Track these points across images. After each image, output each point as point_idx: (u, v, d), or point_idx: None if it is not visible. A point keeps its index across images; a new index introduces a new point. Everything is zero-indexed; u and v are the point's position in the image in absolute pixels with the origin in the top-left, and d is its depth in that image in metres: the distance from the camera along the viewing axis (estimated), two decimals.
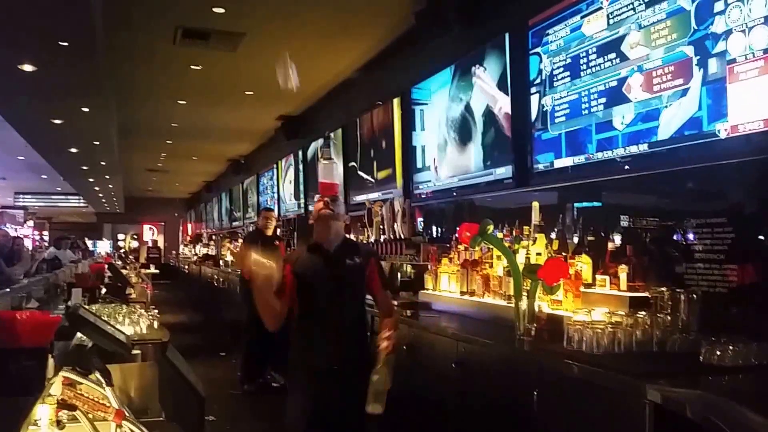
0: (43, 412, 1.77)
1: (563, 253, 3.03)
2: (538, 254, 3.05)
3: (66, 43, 4.56)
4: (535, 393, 2.30)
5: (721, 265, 2.47)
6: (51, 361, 2.05)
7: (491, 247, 3.31)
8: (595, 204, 3.37)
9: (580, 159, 3.11)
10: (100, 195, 16.89)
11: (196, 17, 4.93)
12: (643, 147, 2.75)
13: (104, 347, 2.52)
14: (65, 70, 5.26)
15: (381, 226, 4.75)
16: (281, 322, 2.67)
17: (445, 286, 3.72)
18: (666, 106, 2.64)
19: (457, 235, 3.96)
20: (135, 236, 23.77)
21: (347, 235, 2.90)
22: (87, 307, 3.28)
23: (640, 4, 2.77)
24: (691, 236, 2.63)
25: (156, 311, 3.73)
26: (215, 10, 4.70)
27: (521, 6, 3.64)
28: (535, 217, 3.27)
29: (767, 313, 2.28)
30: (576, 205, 3.37)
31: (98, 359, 2.37)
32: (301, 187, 7.65)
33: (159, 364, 3.02)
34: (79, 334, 2.59)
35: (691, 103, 2.52)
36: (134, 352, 2.88)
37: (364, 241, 4.90)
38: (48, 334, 2.18)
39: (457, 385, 2.82)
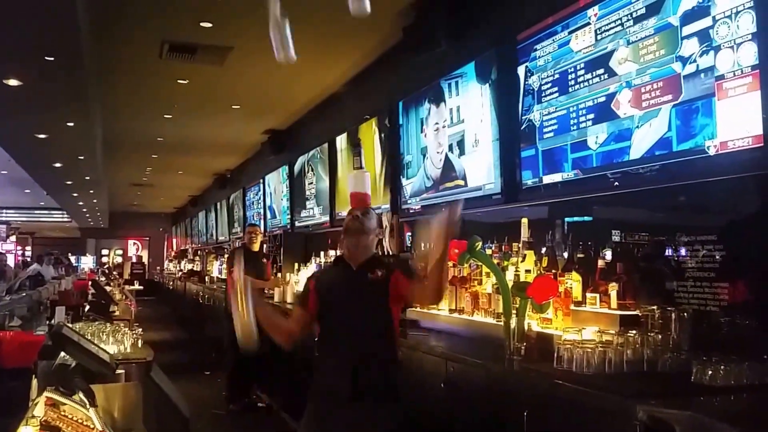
0: None
1: (553, 271, 3.00)
2: (528, 271, 3.03)
3: (52, 58, 4.52)
4: (525, 414, 2.26)
5: (712, 283, 2.46)
6: (35, 382, 1.99)
7: (480, 264, 3.28)
8: (585, 218, 3.36)
9: (569, 175, 3.10)
10: (84, 210, 16.71)
11: (183, 32, 4.90)
12: (635, 164, 2.74)
13: (88, 367, 2.46)
14: (51, 84, 5.21)
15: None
16: (294, 339, 2.53)
17: None
18: (639, 126, 2.65)
19: None
20: (120, 252, 23.52)
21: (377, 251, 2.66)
22: (70, 325, 3.21)
23: (628, 20, 2.77)
24: (682, 253, 2.62)
25: (140, 330, 3.65)
26: (203, 24, 4.67)
27: (509, 22, 3.65)
28: (524, 233, 3.25)
29: (759, 332, 2.26)
30: (566, 219, 3.36)
31: (82, 379, 2.31)
32: (288, 203, 7.60)
33: (143, 384, 2.96)
34: (62, 354, 2.52)
35: (677, 121, 2.52)
36: (118, 371, 2.82)
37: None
38: (32, 354, 2.12)
39: (446, 406, 2.78)
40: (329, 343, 2.51)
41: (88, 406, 2.18)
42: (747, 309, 2.33)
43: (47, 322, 4.50)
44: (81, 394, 2.23)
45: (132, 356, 3.32)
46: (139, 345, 3.58)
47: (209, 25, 4.68)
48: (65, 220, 19.49)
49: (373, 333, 2.45)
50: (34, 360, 2.17)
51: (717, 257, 2.46)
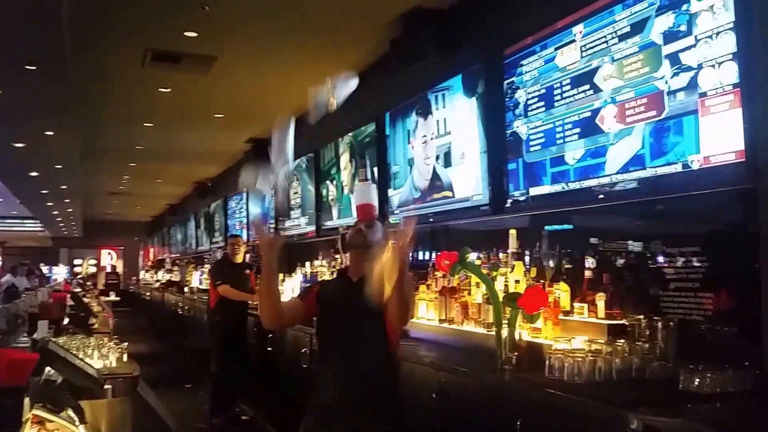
0: None
1: (541, 281, 3.06)
2: (517, 281, 3.08)
3: (33, 67, 4.47)
4: (519, 423, 2.30)
5: (696, 293, 2.53)
6: (27, 401, 1.96)
7: (470, 274, 3.32)
8: (566, 227, 3.42)
9: (556, 187, 3.17)
10: (59, 219, 16.43)
11: (167, 41, 4.88)
12: (618, 177, 2.81)
13: (76, 383, 2.43)
14: (31, 93, 5.15)
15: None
16: (279, 323, 2.51)
17: (423, 314, 3.72)
18: (613, 142, 2.73)
19: (434, 262, 3.98)
20: (93, 262, 23.11)
21: None
22: (54, 339, 3.17)
23: (613, 38, 2.85)
24: (666, 264, 2.69)
25: (126, 344, 3.61)
26: (187, 33, 4.66)
27: (496, 37, 3.72)
28: (513, 244, 3.31)
29: (741, 340, 2.34)
30: (550, 228, 3.43)
31: (70, 396, 2.28)
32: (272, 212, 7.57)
33: (131, 400, 2.93)
34: (47, 369, 2.49)
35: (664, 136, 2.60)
36: (105, 387, 2.79)
37: (340, 267, 4.85)
38: (24, 372, 2.09)
39: (439, 416, 2.80)
40: (328, 357, 2.51)
41: (77, 423, 2.16)
42: (729, 318, 2.41)
43: (27, 335, 4.42)
44: (70, 411, 2.20)
45: (118, 371, 3.29)
46: (125, 359, 3.55)
47: (194, 34, 4.68)
48: (38, 229, 19.11)
49: (372, 348, 2.43)
50: (27, 378, 2.14)
51: (700, 268, 2.54)
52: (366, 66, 5.27)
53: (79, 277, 18.97)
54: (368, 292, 2.31)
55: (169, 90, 6.15)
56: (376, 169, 4.80)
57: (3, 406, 1.67)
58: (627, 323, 2.63)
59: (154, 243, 19.78)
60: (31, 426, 1.96)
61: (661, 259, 2.71)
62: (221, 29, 4.61)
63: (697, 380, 2.06)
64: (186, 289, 10.85)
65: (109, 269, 22.21)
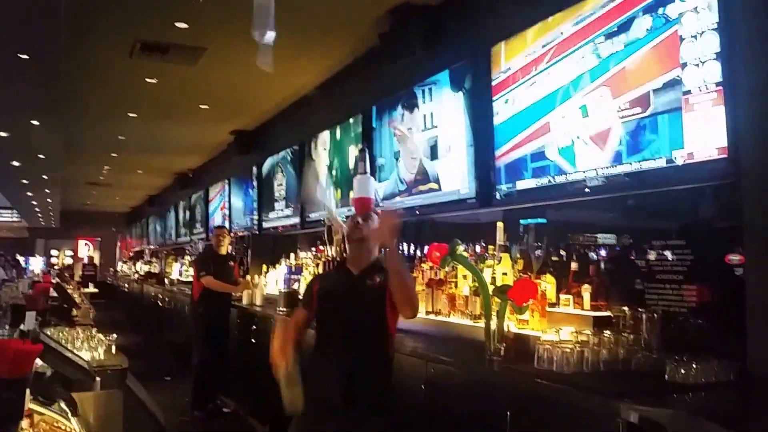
0: None
1: (528, 273, 3.11)
2: (504, 274, 3.13)
3: (27, 57, 4.39)
4: (509, 413, 2.35)
5: (680, 285, 2.61)
6: (28, 393, 1.96)
7: (456, 266, 3.36)
8: (539, 220, 3.50)
9: (542, 181, 3.22)
10: (37, 209, 16.16)
11: (157, 32, 4.83)
12: (607, 171, 2.87)
13: (67, 375, 2.42)
14: (22, 83, 5.05)
15: (342, 244, 4.75)
16: (299, 341, 2.58)
17: None
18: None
19: (421, 254, 4.02)
20: (70, 253, 22.77)
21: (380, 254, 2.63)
22: (42, 331, 3.14)
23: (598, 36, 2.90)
24: (651, 257, 2.76)
25: (114, 335, 3.60)
26: (178, 25, 4.62)
27: (483, 33, 3.75)
28: (500, 237, 3.36)
29: (723, 331, 2.42)
30: (534, 221, 3.49)
31: (62, 388, 2.27)
32: (255, 204, 7.55)
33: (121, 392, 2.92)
34: (36, 361, 2.47)
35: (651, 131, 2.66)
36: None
37: (328, 259, 4.88)
38: (27, 363, 2.07)
39: (427, 407, 2.84)
40: (324, 349, 2.53)
41: (69, 416, 2.15)
42: (712, 310, 2.48)
43: (9, 327, 4.36)
44: (62, 404, 2.19)
45: (107, 363, 3.27)
46: (113, 351, 3.53)
47: (185, 25, 4.64)
48: (14, 219, 18.77)
49: (369, 340, 2.46)
50: (29, 370, 2.12)
51: (684, 261, 2.61)
52: (354, 60, 5.28)
53: (56, 268, 18.67)
54: (368, 285, 2.41)
55: (155, 80, 6.08)
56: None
57: (5, 398, 1.65)
58: (612, 315, 2.69)
59: (132, 234, 19.56)
60: (37, 419, 1.96)
61: (646, 252, 2.78)
62: (213, 21, 4.58)
63: (683, 371, 2.12)
64: (166, 281, 10.77)
65: (86, 260, 21.89)
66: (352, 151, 5.12)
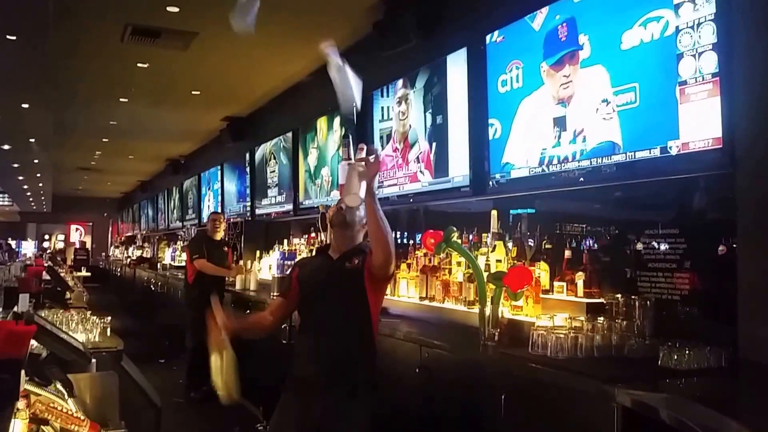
0: (17, 427, 1.69)
1: (522, 260, 3.14)
2: (498, 261, 3.16)
3: (14, 38, 4.34)
4: (503, 397, 2.38)
5: (673, 273, 2.64)
6: (23, 374, 1.96)
7: (450, 252, 3.38)
8: (529, 210, 3.52)
9: (536, 170, 3.23)
10: (29, 194, 16.05)
11: (148, 15, 4.79)
12: (600, 160, 2.89)
13: (63, 357, 2.42)
14: (11, 64, 5.00)
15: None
16: (273, 329, 2.67)
17: (404, 292, 3.78)
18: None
19: (415, 241, 4.04)
20: (62, 238, 22.67)
21: (364, 240, 2.62)
22: (37, 313, 3.14)
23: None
24: (644, 245, 2.78)
25: (109, 318, 3.60)
26: (169, 9, 4.57)
27: (480, 20, 3.74)
28: (494, 225, 3.38)
29: (715, 319, 2.45)
30: (528, 210, 3.52)
31: (59, 369, 2.28)
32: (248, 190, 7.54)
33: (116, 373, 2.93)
34: (32, 343, 2.48)
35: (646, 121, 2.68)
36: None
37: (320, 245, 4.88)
38: (20, 344, 2.07)
39: (422, 391, 2.87)
40: (307, 333, 2.56)
41: (66, 397, 2.16)
42: (704, 298, 2.52)
43: (0, 308, 4.35)
44: (58, 385, 2.20)
45: (102, 345, 3.28)
46: (108, 333, 3.54)
47: (176, 9, 4.60)
48: (6, 203, 18.64)
49: (350, 323, 2.48)
50: (24, 351, 2.13)
51: (677, 249, 2.64)
52: (348, 48, 5.24)
53: (48, 252, 18.58)
54: (347, 268, 2.46)
55: (147, 65, 6.04)
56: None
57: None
58: (605, 302, 2.72)
59: (124, 219, 19.49)
60: (32, 400, 1.96)
61: (640, 240, 2.80)
62: (204, 5, 4.54)
63: (676, 357, 2.16)
64: (158, 266, 10.76)
65: (78, 245, 21.80)
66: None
